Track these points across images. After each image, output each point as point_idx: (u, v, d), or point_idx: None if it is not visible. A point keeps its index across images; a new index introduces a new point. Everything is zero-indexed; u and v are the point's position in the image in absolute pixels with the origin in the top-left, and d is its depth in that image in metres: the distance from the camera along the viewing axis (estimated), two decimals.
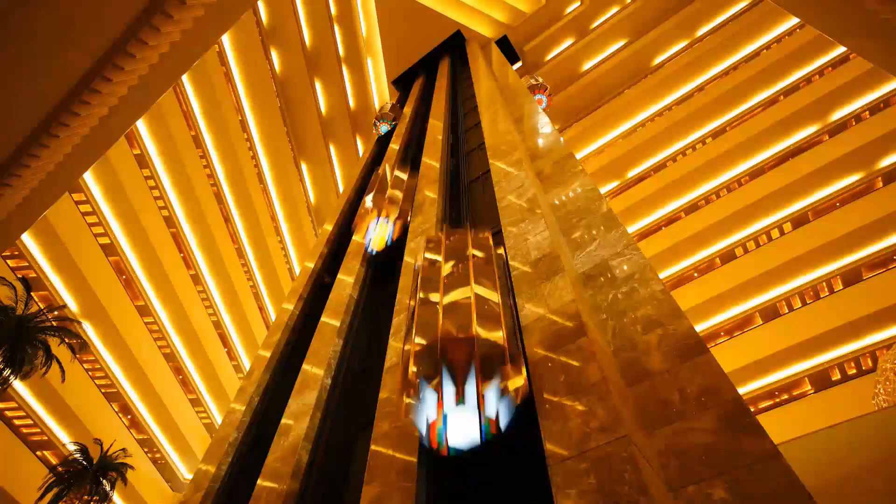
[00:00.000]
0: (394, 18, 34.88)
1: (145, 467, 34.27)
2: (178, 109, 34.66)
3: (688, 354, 5.79)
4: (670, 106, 36.50)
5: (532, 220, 9.31)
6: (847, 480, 7.02)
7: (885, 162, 27.37)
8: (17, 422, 28.98)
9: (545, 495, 4.93)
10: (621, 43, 37.24)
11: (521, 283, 8.08)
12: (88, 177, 30.08)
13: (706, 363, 5.57)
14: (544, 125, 15.05)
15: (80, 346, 24.94)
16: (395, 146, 23.82)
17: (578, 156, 37.30)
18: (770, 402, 26.64)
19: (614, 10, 36.83)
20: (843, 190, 28.24)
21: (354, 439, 8.62)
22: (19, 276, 26.41)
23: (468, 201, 14.81)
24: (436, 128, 20.31)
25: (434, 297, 6.72)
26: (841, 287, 26.71)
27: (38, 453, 29.33)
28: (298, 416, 9.29)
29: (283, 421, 9.54)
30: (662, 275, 31.79)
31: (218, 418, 40.24)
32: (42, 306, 25.52)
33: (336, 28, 35.63)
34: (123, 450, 28.20)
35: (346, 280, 14.10)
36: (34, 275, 28.66)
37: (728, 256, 31.07)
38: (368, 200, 13.66)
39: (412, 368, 5.88)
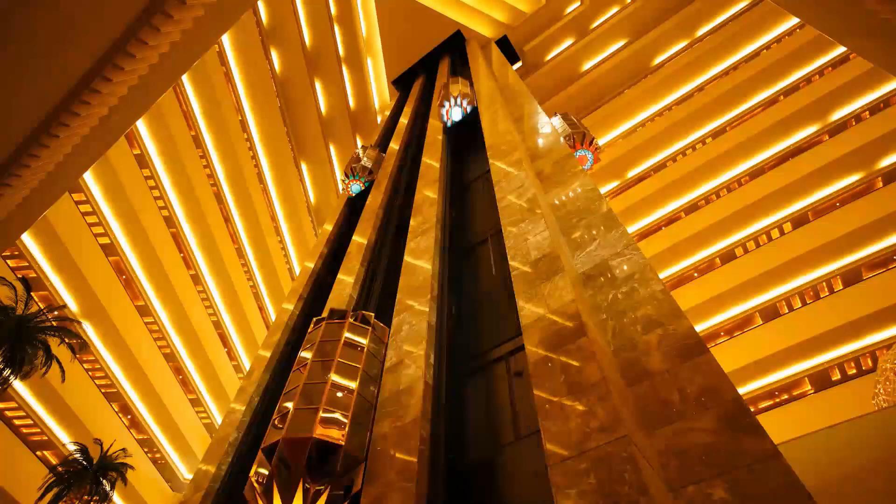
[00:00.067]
0: (394, 18, 34.88)
1: (145, 467, 34.24)
2: (178, 109, 34.65)
3: (688, 354, 5.79)
4: (670, 106, 36.49)
5: (532, 220, 9.31)
6: (847, 480, 7.01)
7: (885, 162, 27.36)
8: (17, 422, 28.98)
9: None
10: (621, 43, 37.23)
11: (520, 283, 8.08)
12: (88, 177, 30.07)
13: (706, 363, 5.58)
14: (544, 125, 15.05)
15: (80, 346, 24.91)
16: (394, 146, 23.82)
17: None
18: (770, 402, 26.63)
19: (614, 10, 36.82)
20: (843, 190, 28.23)
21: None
22: (19, 276, 26.40)
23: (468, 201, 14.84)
24: (436, 128, 20.30)
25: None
26: (841, 287, 26.70)
27: (38, 453, 29.32)
28: None
29: None
30: (662, 275, 31.79)
31: (218, 418, 40.23)
32: (42, 306, 25.49)
33: (336, 28, 35.63)
34: (123, 450, 28.15)
35: (346, 280, 14.14)
36: (34, 275, 28.65)
37: (728, 256, 31.06)
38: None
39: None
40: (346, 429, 7.37)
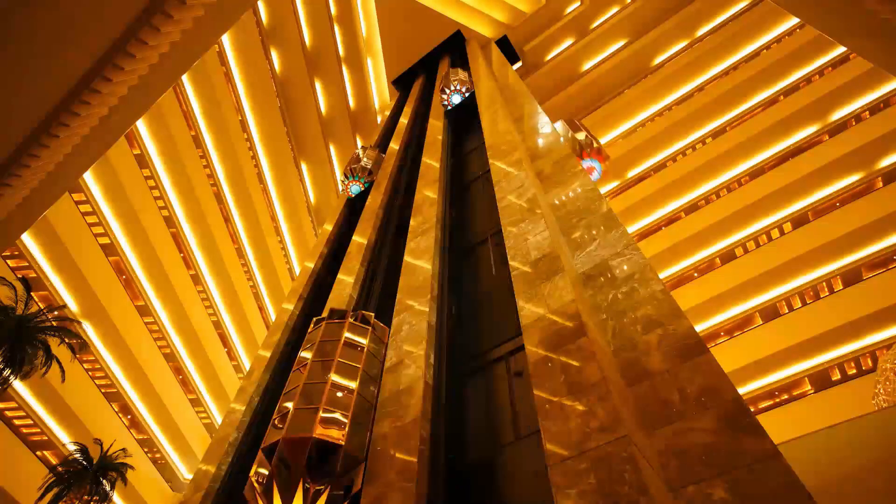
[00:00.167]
0: (394, 18, 34.87)
1: (145, 467, 34.24)
2: (178, 109, 34.64)
3: (688, 354, 5.79)
4: (670, 106, 36.49)
5: (532, 220, 9.31)
6: (847, 480, 7.01)
7: (885, 162, 27.36)
8: (17, 422, 28.98)
9: None
10: (621, 43, 37.22)
11: (520, 283, 8.08)
12: (88, 177, 30.06)
13: (706, 363, 5.58)
14: (544, 125, 15.05)
15: (80, 346, 24.90)
16: (394, 146, 23.82)
17: None
18: (770, 402, 26.64)
19: (614, 10, 36.80)
20: (843, 190, 28.24)
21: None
22: (19, 276, 26.40)
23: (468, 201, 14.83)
24: (436, 128, 20.32)
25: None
26: (841, 287, 26.70)
27: (38, 453, 29.32)
28: None
29: None
30: (662, 275, 31.79)
31: (218, 418, 40.22)
32: (42, 306, 25.48)
33: (336, 28, 35.62)
34: (123, 450, 28.14)
35: (346, 280, 14.13)
36: (34, 275, 28.65)
37: (728, 256, 31.07)
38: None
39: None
40: (346, 429, 7.38)
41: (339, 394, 7.90)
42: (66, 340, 23.82)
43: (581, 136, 16.27)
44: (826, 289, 27.34)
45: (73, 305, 30.45)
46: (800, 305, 27.74)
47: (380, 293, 13.76)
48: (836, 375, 25.40)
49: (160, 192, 35.30)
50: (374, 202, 18.70)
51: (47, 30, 11.20)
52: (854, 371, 25.03)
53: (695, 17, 35.08)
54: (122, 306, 33.23)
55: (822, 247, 27.00)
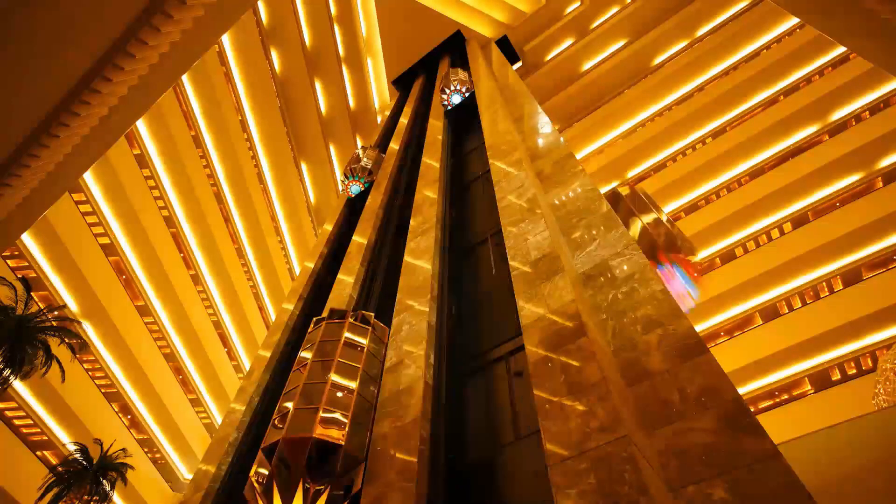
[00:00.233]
0: (394, 18, 34.86)
1: (145, 467, 34.23)
2: (178, 109, 34.64)
3: (688, 354, 5.79)
4: (670, 106, 36.49)
5: (532, 220, 9.31)
6: (847, 480, 7.01)
7: (885, 162, 27.36)
8: (17, 422, 28.97)
9: None
10: (621, 43, 37.23)
11: (520, 283, 8.08)
12: (88, 177, 30.06)
13: (706, 363, 5.58)
14: (544, 125, 15.06)
15: (80, 346, 24.89)
16: (394, 146, 23.82)
17: (578, 156, 37.26)
18: (770, 402, 26.64)
19: (614, 10, 36.81)
20: (843, 190, 28.24)
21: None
22: (19, 276, 26.39)
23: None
24: (436, 128, 20.32)
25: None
26: (841, 287, 26.70)
27: (38, 453, 29.32)
28: None
29: None
30: None
31: (218, 418, 40.22)
32: (42, 306, 25.48)
33: (336, 28, 35.62)
34: (123, 450, 28.13)
35: (346, 280, 14.13)
36: (34, 275, 28.64)
37: (728, 256, 31.07)
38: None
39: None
40: (346, 429, 7.38)
41: (339, 394, 7.90)
42: (66, 340, 23.82)
43: (649, 218, 10.97)
44: (826, 289, 27.34)
45: (73, 305, 30.45)
46: (800, 305, 27.74)
47: (380, 293, 13.76)
48: (836, 375, 25.40)
49: (160, 192, 35.30)
50: (374, 202, 18.69)
51: (47, 30, 11.20)
52: (854, 371, 25.03)
53: (695, 17, 35.09)
54: (122, 306, 33.23)
55: (822, 247, 27.00)
